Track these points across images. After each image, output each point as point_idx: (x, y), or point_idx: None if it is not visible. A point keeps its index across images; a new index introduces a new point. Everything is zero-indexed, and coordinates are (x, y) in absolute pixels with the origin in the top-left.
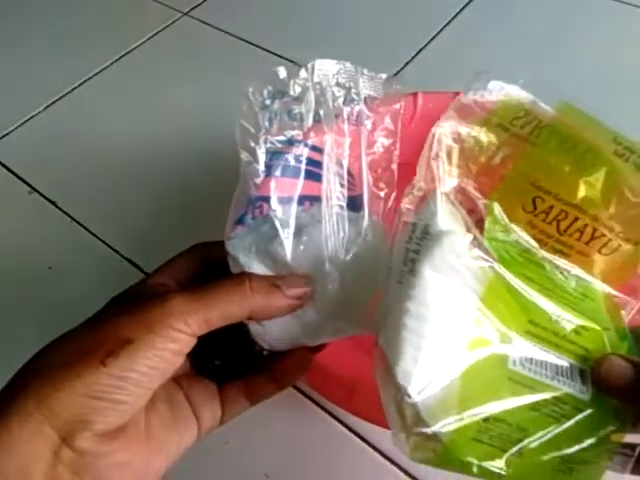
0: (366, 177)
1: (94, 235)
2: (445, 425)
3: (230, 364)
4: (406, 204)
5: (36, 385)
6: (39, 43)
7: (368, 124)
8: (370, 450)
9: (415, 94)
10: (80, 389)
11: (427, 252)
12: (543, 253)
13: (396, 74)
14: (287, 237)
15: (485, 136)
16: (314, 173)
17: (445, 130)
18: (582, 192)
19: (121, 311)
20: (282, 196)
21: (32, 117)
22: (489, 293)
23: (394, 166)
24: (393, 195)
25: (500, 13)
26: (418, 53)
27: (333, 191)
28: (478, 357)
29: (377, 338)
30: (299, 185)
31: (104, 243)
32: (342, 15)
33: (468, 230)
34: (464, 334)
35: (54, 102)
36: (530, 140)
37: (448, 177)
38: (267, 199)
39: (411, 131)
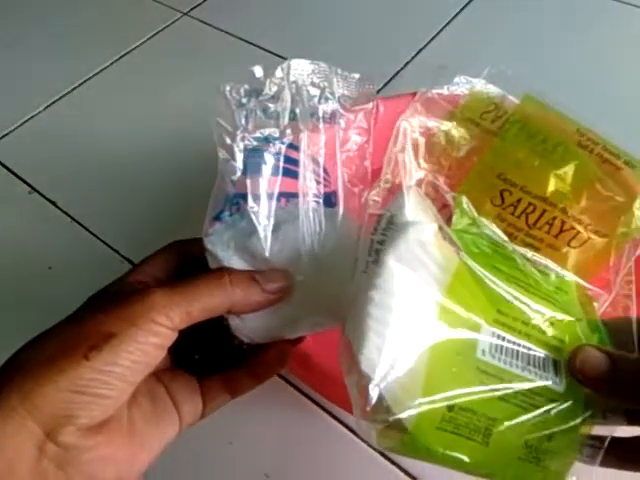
0: (341, 174)
1: (94, 235)
2: (407, 411)
3: (210, 358)
4: (373, 196)
5: (19, 381)
6: (39, 43)
7: (342, 122)
8: (370, 450)
9: (414, 94)
10: (64, 384)
11: (391, 242)
12: (514, 246)
13: (396, 74)
14: (265, 233)
15: (456, 131)
16: (290, 170)
17: (412, 124)
18: (552, 186)
19: (102, 307)
20: (260, 193)
21: (32, 117)
22: (455, 283)
23: (367, 163)
24: (367, 191)
25: (500, 13)
26: (418, 53)
27: (309, 188)
28: (444, 346)
29: (343, 327)
30: (277, 182)
31: (104, 243)
32: (342, 15)
33: (437, 223)
34: (429, 323)
35: (54, 102)
36: (499, 134)
37: (415, 170)
38: (244, 196)
39: None
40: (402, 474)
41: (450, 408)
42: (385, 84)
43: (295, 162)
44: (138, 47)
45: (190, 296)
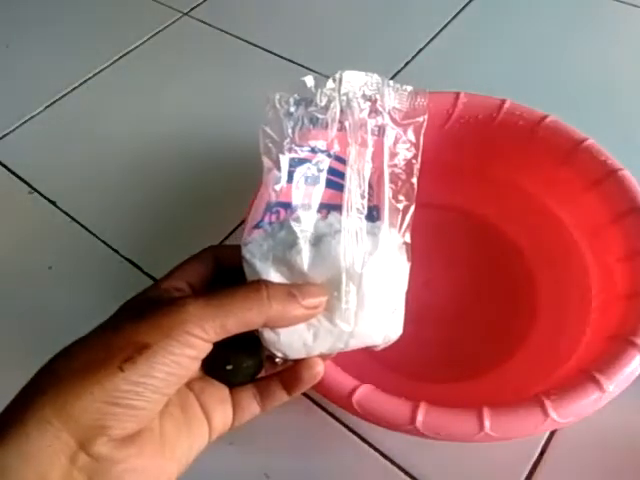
0: (387, 189)
1: (94, 235)
2: None
3: (242, 369)
4: None
5: (53, 392)
6: (39, 43)
7: (391, 136)
8: (370, 450)
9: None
10: (99, 395)
11: None
12: None
13: (396, 74)
14: (305, 245)
15: None
16: (334, 182)
17: None
18: None
19: (137, 316)
20: (302, 203)
21: (32, 117)
22: None
23: (414, 180)
24: (412, 208)
25: (500, 13)
26: (418, 53)
27: (354, 202)
28: None
29: None
30: (320, 193)
31: (104, 243)
32: (342, 15)
33: None
34: None
35: (54, 102)
36: None
37: None
38: (285, 205)
39: None
40: (402, 474)
41: None
42: None
43: (340, 175)
44: (138, 47)
45: (226, 309)
